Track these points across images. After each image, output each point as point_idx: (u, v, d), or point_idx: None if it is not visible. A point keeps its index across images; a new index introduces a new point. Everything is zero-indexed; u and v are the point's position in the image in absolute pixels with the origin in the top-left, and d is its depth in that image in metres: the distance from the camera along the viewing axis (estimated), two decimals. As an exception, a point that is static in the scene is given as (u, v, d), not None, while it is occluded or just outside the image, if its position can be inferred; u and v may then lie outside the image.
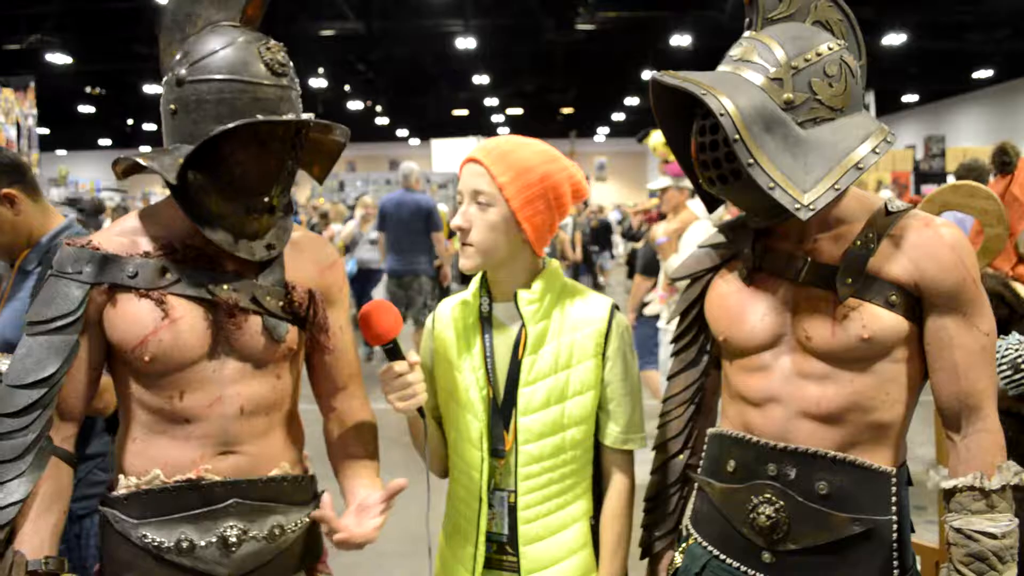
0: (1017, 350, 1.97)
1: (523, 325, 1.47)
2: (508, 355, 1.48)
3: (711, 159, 1.28)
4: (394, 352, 1.38)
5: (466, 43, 13.64)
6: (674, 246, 4.97)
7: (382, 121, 22.87)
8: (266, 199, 1.34)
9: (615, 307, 1.52)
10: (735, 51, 1.30)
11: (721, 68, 1.30)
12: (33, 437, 1.26)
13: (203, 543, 1.31)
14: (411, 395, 1.37)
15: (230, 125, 1.24)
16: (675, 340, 1.55)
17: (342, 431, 1.54)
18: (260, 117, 1.26)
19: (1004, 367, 2.00)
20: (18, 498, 1.25)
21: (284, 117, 1.29)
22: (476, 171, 1.45)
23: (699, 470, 1.45)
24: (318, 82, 16.37)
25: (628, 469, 1.54)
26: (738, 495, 1.33)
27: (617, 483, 1.53)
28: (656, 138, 5.49)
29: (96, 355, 1.34)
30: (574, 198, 1.50)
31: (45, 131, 16.56)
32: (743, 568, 1.33)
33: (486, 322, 1.52)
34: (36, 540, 1.28)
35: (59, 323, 1.28)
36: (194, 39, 1.32)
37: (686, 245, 4.66)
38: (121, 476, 1.35)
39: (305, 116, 1.32)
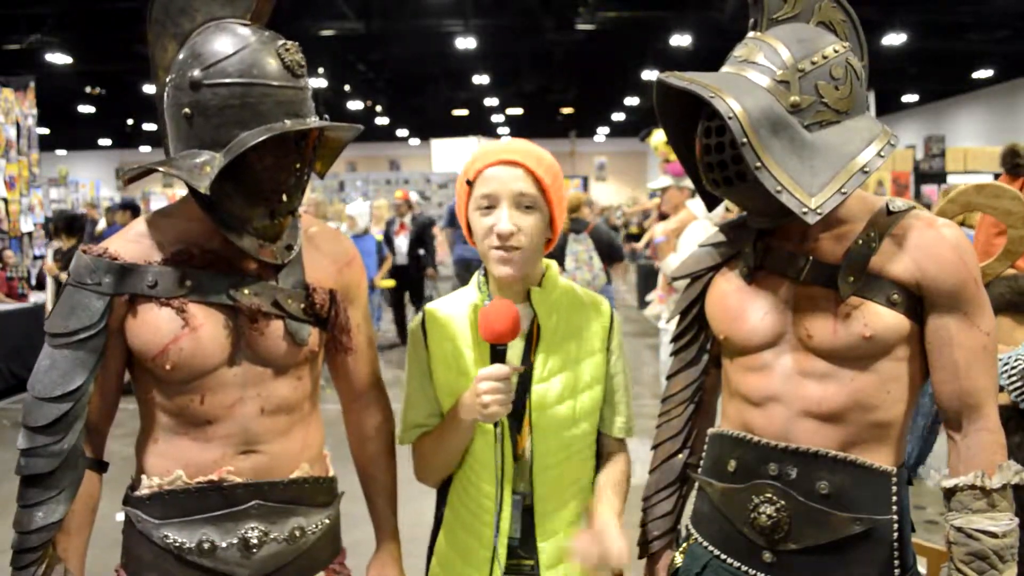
0: None
1: (534, 323, 1.47)
2: (518, 355, 1.47)
3: (716, 161, 1.28)
4: (504, 355, 1.37)
5: (466, 43, 13.63)
6: (672, 245, 4.97)
7: (382, 121, 22.84)
8: (287, 201, 1.33)
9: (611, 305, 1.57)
10: (739, 51, 1.30)
11: (725, 69, 1.29)
12: (66, 450, 1.26)
13: (224, 544, 1.31)
14: (509, 401, 1.35)
15: (267, 135, 1.21)
16: (675, 339, 1.55)
17: (361, 444, 1.59)
18: (288, 123, 1.24)
19: (1015, 378, 1.98)
20: (57, 518, 1.26)
21: (312, 123, 1.27)
22: (516, 173, 1.41)
23: (699, 470, 1.45)
24: (318, 82, 16.35)
25: (626, 451, 1.57)
26: (739, 495, 1.33)
27: (619, 458, 1.55)
28: (658, 137, 5.50)
29: (118, 363, 1.34)
30: None
31: (45, 131, 16.55)
32: (744, 568, 1.34)
33: None
34: (77, 557, 1.32)
35: (82, 335, 1.27)
36: (201, 38, 1.28)
37: (684, 245, 4.66)
38: (143, 476, 1.35)
39: (325, 120, 1.32)
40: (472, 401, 1.36)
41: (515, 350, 1.47)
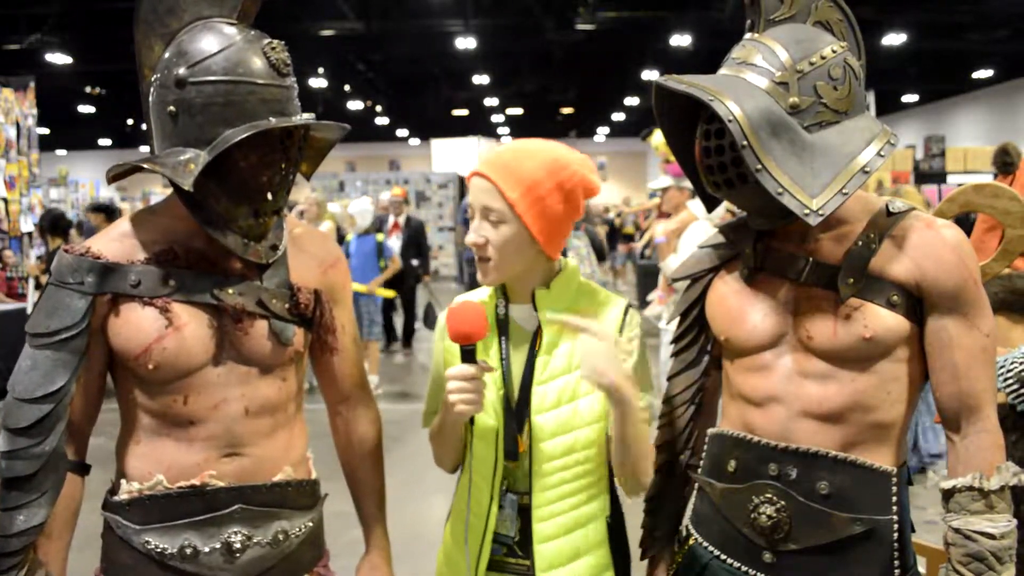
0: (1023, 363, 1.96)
1: (540, 325, 1.47)
2: (524, 356, 1.48)
3: (717, 164, 1.28)
4: (472, 355, 1.37)
5: (466, 43, 13.64)
6: (673, 246, 4.97)
7: (382, 121, 22.84)
8: (272, 200, 1.32)
9: (629, 305, 1.53)
10: (737, 53, 1.29)
11: (723, 71, 1.29)
12: (48, 452, 1.25)
13: (207, 549, 1.29)
14: (477, 400, 1.36)
15: (251, 132, 1.21)
16: (675, 341, 1.55)
17: (348, 447, 1.58)
18: (273, 120, 1.24)
19: (1011, 380, 1.98)
20: (38, 522, 1.25)
21: (297, 120, 1.27)
22: (484, 187, 1.42)
23: (700, 470, 1.45)
24: (318, 82, 16.36)
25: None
26: (739, 495, 1.33)
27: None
28: (659, 137, 5.51)
29: (101, 363, 1.33)
30: (585, 195, 1.49)
31: (45, 131, 16.54)
32: (744, 568, 1.34)
33: (502, 324, 1.51)
34: (59, 560, 1.31)
35: (64, 335, 1.26)
36: (187, 37, 1.28)
37: (685, 245, 4.66)
38: (123, 480, 1.33)
39: (308, 116, 1.31)
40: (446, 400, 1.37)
41: (518, 354, 1.48)
